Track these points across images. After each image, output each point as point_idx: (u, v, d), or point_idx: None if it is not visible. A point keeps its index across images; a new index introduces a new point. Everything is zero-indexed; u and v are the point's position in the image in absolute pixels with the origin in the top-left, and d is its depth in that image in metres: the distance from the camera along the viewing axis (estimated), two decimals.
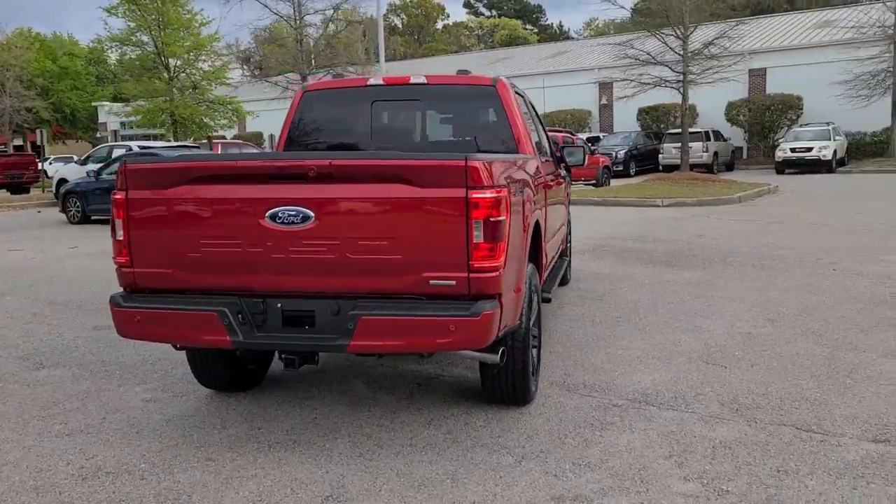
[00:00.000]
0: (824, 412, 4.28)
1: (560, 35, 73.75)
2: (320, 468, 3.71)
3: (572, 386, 4.87)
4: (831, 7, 39.40)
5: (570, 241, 8.31)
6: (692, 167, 25.45)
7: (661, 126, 33.66)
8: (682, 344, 5.76)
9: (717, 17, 25.50)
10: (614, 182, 23.34)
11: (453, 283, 3.54)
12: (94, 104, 48.27)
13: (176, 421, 4.41)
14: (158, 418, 4.46)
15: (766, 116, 32.48)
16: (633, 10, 35.72)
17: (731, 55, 23.97)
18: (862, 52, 27.83)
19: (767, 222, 13.35)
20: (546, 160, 6.11)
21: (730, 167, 30.99)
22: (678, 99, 26.26)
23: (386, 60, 31.98)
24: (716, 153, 29.60)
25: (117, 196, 3.82)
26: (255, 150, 27.73)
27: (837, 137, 28.32)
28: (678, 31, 23.03)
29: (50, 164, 34.96)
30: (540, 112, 7.64)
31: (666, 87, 23.97)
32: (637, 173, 28.13)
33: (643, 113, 34.05)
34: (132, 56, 30.34)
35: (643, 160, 29.95)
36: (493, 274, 3.55)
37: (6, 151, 35.32)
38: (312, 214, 3.58)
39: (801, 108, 32.03)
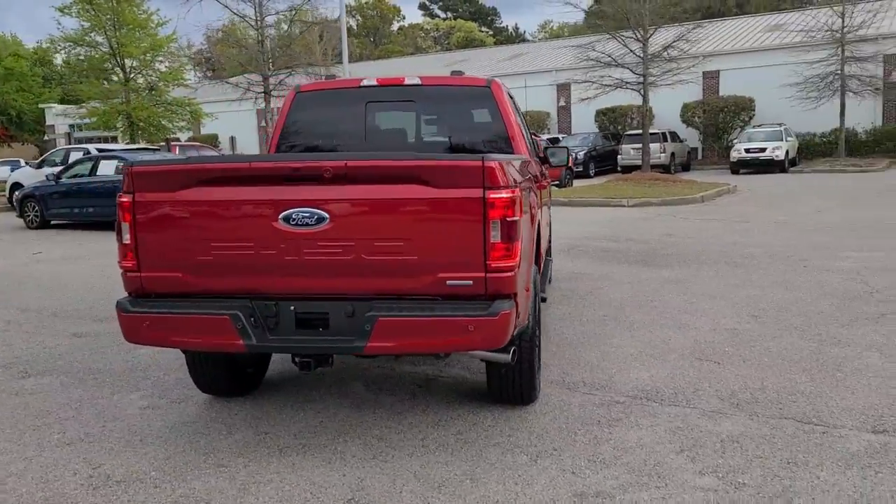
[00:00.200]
0: (821, 405, 4.40)
1: (516, 37, 74.27)
2: (336, 471, 3.68)
3: (572, 384, 4.91)
4: (781, 11, 40.43)
5: (551, 241, 8.38)
6: (650, 168, 25.86)
7: (619, 127, 34.10)
8: (672, 341, 5.86)
9: (676, 20, 25.95)
10: (576, 183, 23.59)
11: (470, 283, 3.55)
12: (41, 106, 46.93)
13: (179, 427, 4.33)
14: (160, 425, 4.37)
15: (719, 118, 33.15)
16: (586, 12, 36.15)
17: (688, 58, 24.41)
18: (811, 55, 28.61)
19: (732, 221, 13.64)
20: (535, 161, 6.16)
21: (686, 168, 31.56)
22: (636, 101, 26.67)
23: (334, 63, 31.86)
24: (673, 154, 30.11)
25: (123, 199, 3.73)
26: (213, 153, 27.35)
27: (789, 138, 29.05)
28: (638, 34, 23.39)
29: None
30: None
31: (627, 89, 24.31)
32: (596, 174, 28.47)
33: (601, 114, 34.45)
34: (82, 57, 29.64)
35: (602, 161, 30.31)
36: (509, 274, 3.57)
37: None
38: (327, 216, 3.56)
39: (754, 110, 32.77)
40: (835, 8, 28.59)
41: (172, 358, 5.63)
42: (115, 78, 28.28)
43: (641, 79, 23.87)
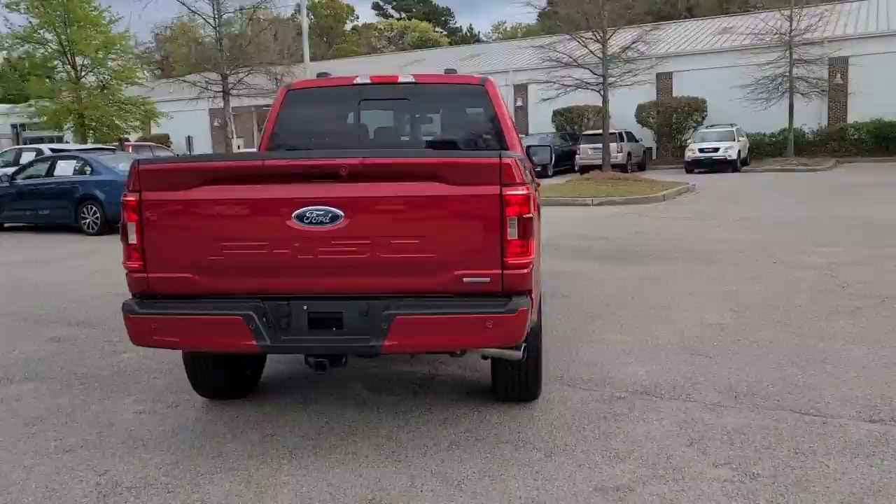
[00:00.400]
0: (816, 396, 4.51)
1: (471, 38, 74.55)
2: (352, 472, 3.65)
3: (571, 380, 4.95)
4: (730, 14, 41.36)
5: None
6: (602, 167, 26.20)
7: (576, 127, 34.50)
8: (661, 336, 5.95)
9: (633, 22, 26.36)
10: None
11: (487, 280, 3.55)
12: None
13: (180, 432, 4.24)
14: (160, 430, 4.27)
15: (673, 118, 33.84)
16: (540, 13, 36.47)
17: (646, 59, 24.82)
18: (761, 57, 29.40)
19: (697, 219, 13.92)
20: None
21: (642, 167, 32.05)
22: (592, 101, 27.01)
23: (297, 62, 31.55)
24: (629, 153, 30.55)
25: (129, 198, 3.63)
26: (167, 153, 26.83)
27: (741, 138, 29.76)
28: (598, 35, 23.69)
29: None
30: None
31: (587, 89, 24.59)
32: (555, 174, 28.74)
33: (558, 115, 34.80)
34: (23, 56, 28.78)
35: (560, 161, 30.58)
36: (525, 270, 3.58)
37: None
38: (342, 214, 3.52)
39: (706, 111, 33.52)
40: (783, 12, 29.41)
41: (159, 361, 5.52)
42: (65, 76, 27.48)
43: (601, 79, 24.17)
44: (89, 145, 21.55)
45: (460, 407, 4.49)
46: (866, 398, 4.45)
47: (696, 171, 28.01)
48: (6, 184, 15.50)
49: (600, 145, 26.13)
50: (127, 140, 30.95)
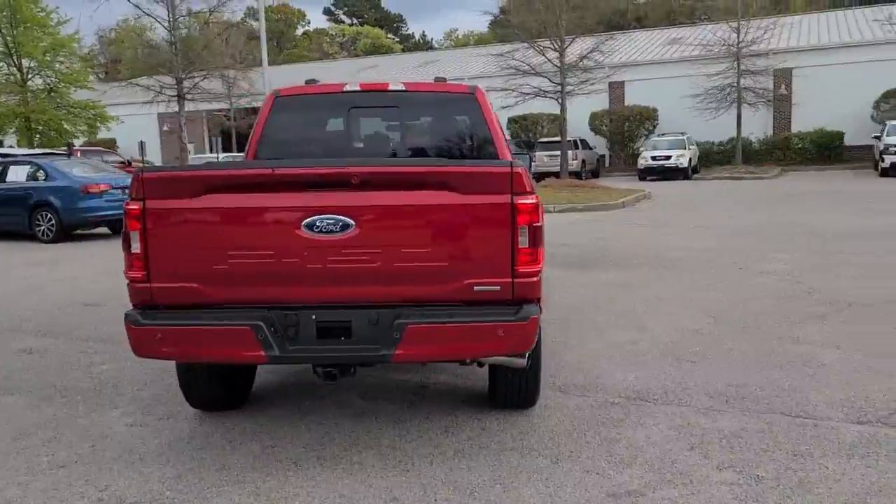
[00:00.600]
0: (803, 399, 4.64)
1: (423, 45, 74.68)
2: (361, 483, 3.62)
3: (563, 387, 5.00)
4: (678, 25, 42.32)
5: None
6: (559, 175, 26.55)
7: (531, 135, 34.86)
8: (641, 343, 6.05)
9: (590, 32, 26.79)
10: None
11: (498, 288, 3.57)
12: None
13: (177, 444, 4.15)
14: (156, 443, 4.17)
15: (626, 126, 34.52)
16: (492, 21, 36.78)
17: (602, 67, 25.24)
18: (710, 68, 30.19)
19: (656, 225, 14.18)
20: None
21: (596, 174, 32.57)
22: (547, 109, 27.32)
23: (250, 66, 31.21)
24: (584, 161, 31.02)
25: (132, 206, 3.55)
26: (118, 158, 26.20)
27: (691, 147, 30.49)
28: (555, 44, 23.99)
29: None
30: None
31: (544, 97, 24.87)
32: None
33: (513, 122, 35.11)
34: None
35: None
36: (535, 279, 3.61)
37: None
38: (352, 223, 3.50)
39: (657, 119, 34.28)
40: (730, 24, 30.25)
41: (140, 372, 5.41)
42: (11, 78, 26.62)
43: (559, 87, 24.47)
44: (37, 150, 20.89)
45: (458, 415, 4.50)
46: (850, 400, 4.59)
47: (648, 178, 28.58)
48: None
49: (557, 153, 26.45)
50: (73, 145, 30.15)
